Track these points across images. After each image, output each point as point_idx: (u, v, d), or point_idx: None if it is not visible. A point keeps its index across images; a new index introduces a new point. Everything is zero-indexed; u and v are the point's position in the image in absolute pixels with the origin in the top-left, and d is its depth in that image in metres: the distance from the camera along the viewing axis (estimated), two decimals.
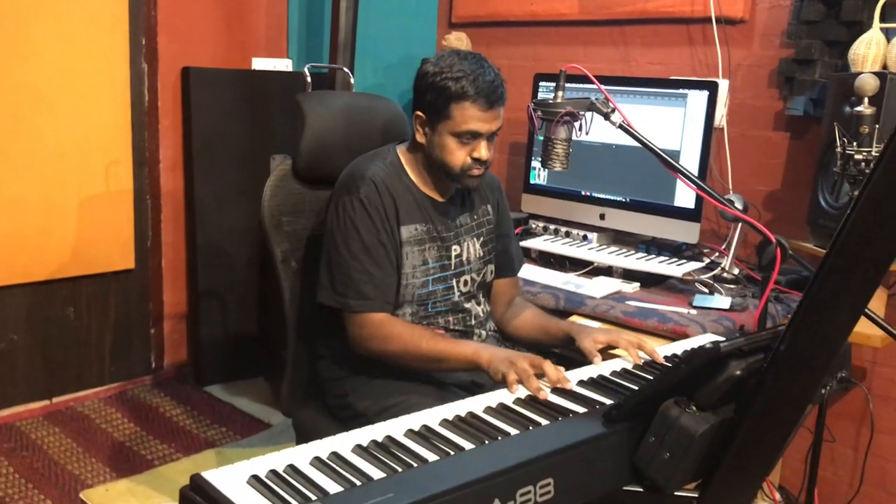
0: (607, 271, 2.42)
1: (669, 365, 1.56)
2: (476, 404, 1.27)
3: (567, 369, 1.48)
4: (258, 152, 3.45)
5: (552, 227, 2.70)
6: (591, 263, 2.45)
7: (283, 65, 3.69)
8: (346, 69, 3.20)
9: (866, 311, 1.25)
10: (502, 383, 1.47)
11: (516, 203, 2.84)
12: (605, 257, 2.42)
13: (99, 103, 3.13)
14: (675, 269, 2.28)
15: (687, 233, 2.40)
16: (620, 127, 1.51)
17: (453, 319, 1.89)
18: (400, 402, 1.71)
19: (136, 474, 2.74)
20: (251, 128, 3.47)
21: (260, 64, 3.61)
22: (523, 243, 2.59)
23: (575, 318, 2.11)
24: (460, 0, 3.45)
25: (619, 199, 2.56)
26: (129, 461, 2.83)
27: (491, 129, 1.73)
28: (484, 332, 1.94)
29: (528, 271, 2.38)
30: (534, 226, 2.74)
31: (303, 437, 1.94)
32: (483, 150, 1.73)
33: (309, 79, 3.03)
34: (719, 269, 2.34)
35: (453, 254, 1.88)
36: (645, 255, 2.45)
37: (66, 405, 3.23)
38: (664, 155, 1.51)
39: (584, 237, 2.61)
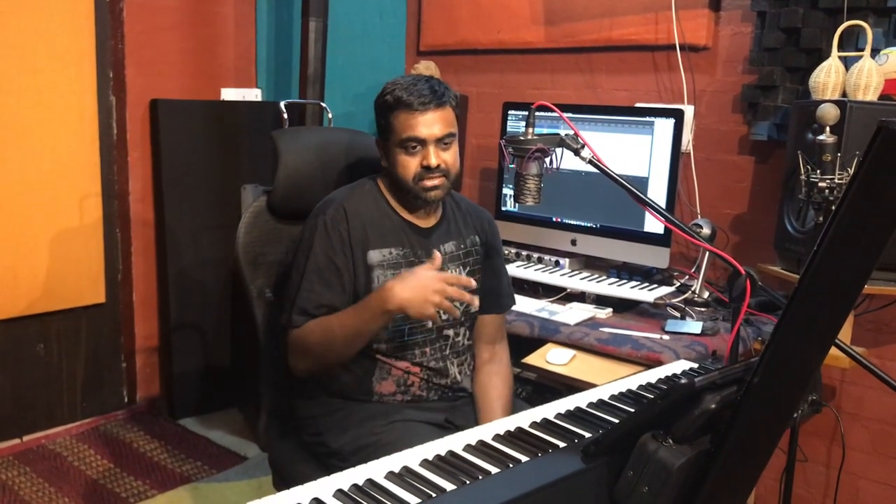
0: (580, 297, 2.45)
1: (643, 394, 1.58)
2: (455, 442, 1.28)
3: (546, 401, 1.49)
4: (229, 182, 3.44)
5: (524, 253, 2.72)
6: (564, 289, 2.47)
7: (253, 94, 3.70)
8: (323, 104, 3.18)
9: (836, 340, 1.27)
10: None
11: None
12: (577, 283, 2.45)
13: (67, 137, 3.10)
14: (646, 293, 2.31)
15: (657, 258, 2.43)
16: (591, 162, 1.54)
17: (430, 350, 1.84)
18: (373, 441, 1.70)
19: None
20: (221, 158, 3.47)
21: (229, 94, 3.61)
22: None
23: (550, 346, 2.13)
24: (428, 28, 3.48)
25: (589, 225, 2.59)
26: (104, 500, 2.78)
27: (433, 133, 1.71)
28: (458, 368, 1.89)
29: None
30: (506, 252, 2.75)
31: (279, 473, 1.93)
32: (431, 157, 1.71)
33: (286, 115, 3.00)
34: (689, 292, 2.37)
35: None
36: (616, 279, 2.48)
37: (37, 443, 3.17)
38: (634, 189, 1.54)
39: (556, 263, 2.64)
